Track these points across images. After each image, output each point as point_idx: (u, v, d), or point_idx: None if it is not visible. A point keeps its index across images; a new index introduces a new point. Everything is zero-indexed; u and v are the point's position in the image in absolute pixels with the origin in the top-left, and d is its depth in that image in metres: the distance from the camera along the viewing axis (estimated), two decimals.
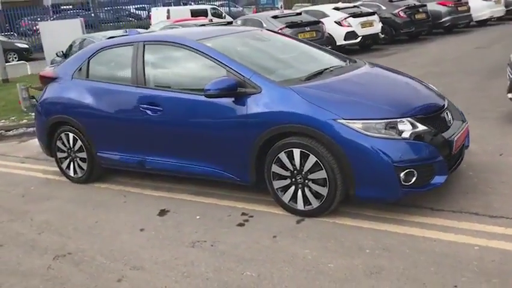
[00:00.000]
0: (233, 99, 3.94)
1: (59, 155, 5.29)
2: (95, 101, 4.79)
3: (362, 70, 4.31)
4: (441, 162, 3.57)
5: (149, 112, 4.39)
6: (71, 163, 5.21)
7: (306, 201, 3.76)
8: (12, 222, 4.41)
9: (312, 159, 3.62)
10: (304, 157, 3.66)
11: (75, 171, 5.21)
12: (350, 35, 13.83)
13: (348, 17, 13.99)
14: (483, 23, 18.31)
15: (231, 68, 4.00)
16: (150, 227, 3.98)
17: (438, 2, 16.62)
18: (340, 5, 15.05)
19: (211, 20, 12.64)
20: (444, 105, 3.98)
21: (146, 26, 26.67)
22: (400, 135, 3.49)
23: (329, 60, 4.64)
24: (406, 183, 3.47)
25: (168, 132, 4.36)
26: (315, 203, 3.72)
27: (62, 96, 5.10)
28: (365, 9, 14.67)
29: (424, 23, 15.83)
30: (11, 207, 4.77)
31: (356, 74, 4.18)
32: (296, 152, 3.68)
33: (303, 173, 3.71)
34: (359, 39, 13.89)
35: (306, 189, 3.73)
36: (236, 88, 3.87)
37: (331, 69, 4.26)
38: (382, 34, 14.73)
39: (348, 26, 13.84)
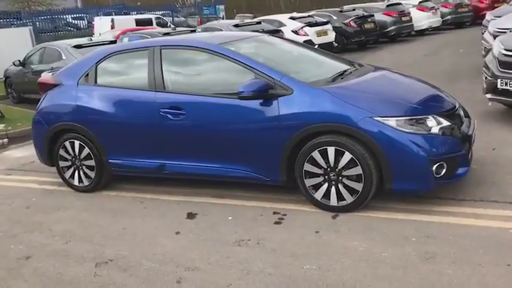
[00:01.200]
0: (261, 101, 4.04)
1: (62, 164, 5.12)
2: (107, 106, 4.71)
3: (378, 72, 4.55)
4: (464, 154, 3.86)
5: (170, 116, 4.39)
6: (76, 172, 5.06)
7: (340, 197, 3.92)
8: (29, 233, 4.24)
9: (347, 156, 3.79)
10: (339, 154, 3.82)
11: (80, 180, 5.07)
12: (307, 43, 14.22)
13: (304, 26, 14.43)
14: (421, 33, 19.47)
15: (259, 71, 4.10)
16: (185, 230, 3.98)
17: (384, 12, 17.52)
18: (295, 14, 15.47)
19: (175, 29, 12.59)
20: (457, 103, 4.30)
21: (87, 36, 25.98)
22: (429, 130, 3.74)
23: (338, 63, 4.84)
24: (437, 176, 3.72)
25: (192, 135, 4.37)
26: (349, 199, 3.89)
27: (67, 103, 4.96)
28: (319, 19, 15.18)
29: (372, 32, 16.62)
30: (21, 219, 4.57)
31: (374, 76, 4.42)
32: (331, 150, 3.84)
33: (337, 169, 3.86)
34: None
35: (340, 186, 3.89)
36: (267, 90, 3.98)
37: (350, 71, 4.47)
38: (335, 43, 15.30)
39: (305, 35, 14.27)
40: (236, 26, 12.94)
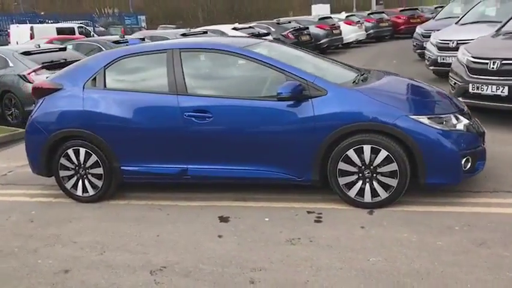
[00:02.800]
0: (293, 102, 4.11)
1: (63, 173, 4.81)
2: (121, 111, 4.51)
3: (392, 77, 4.78)
4: (483, 149, 4.20)
5: (195, 120, 4.31)
6: (79, 181, 4.78)
7: (374, 193, 4.08)
8: (51, 247, 3.93)
9: (383, 154, 3.96)
10: (374, 152, 3.99)
11: (84, 190, 4.79)
12: None
13: (248, 37, 14.61)
14: (348, 45, 20.55)
15: (291, 73, 4.17)
16: (226, 232, 3.92)
17: (317, 25, 18.26)
18: (237, 25, 15.65)
19: (123, 36, 12.21)
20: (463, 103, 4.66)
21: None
22: (455, 127, 4.04)
23: (347, 68, 5.03)
24: (464, 169, 4.02)
25: (219, 138, 4.32)
26: (383, 195, 4.06)
27: (71, 109, 4.68)
28: (261, 30, 15.48)
29: (308, 44, 17.19)
30: (31, 234, 4.23)
31: (391, 79, 4.65)
32: (366, 148, 4.00)
33: (372, 167, 4.03)
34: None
35: (375, 182, 4.06)
36: (302, 91, 4.07)
37: (367, 75, 4.67)
38: None
39: None
40: (183, 35, 12.82)
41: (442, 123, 3.98)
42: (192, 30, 14.38)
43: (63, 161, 4.76)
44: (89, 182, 4.76)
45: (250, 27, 15.77)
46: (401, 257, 3.33)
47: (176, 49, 4.52)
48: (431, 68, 10.36)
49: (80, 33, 25.02)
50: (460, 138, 3.99)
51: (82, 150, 4.68)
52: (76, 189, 4.82)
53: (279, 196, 4.54)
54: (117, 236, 4.03)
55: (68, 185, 4.83)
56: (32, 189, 5.40)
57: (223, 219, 4.19)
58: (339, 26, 18.96)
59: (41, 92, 4.87)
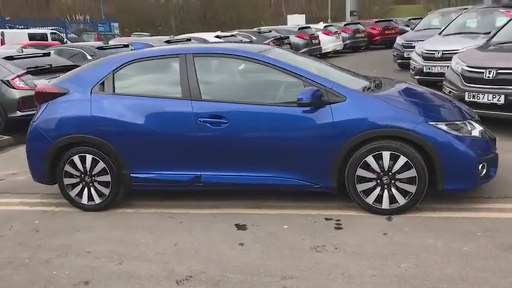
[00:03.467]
0: (311, 108, 4.09)
1: (67, 181, 4.63)
2: (131, 117, 4.39)
3: (404, 84, 4.80)
4: (495, 156, 4.27)
5: (209, 125, 4.23)
6: (85, 189, 4.62)
7: (392, 200, 4.08)
8: (63, 257, 3.77)
9: (402, 160, 3.97)
10: (393, 158, 4.00)
11: (90, 198, 4.63)
12: None
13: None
14: (325, 55, 20.76)
15: (309, 79, 4.15)
16: (247, 240, 3.84)
17: (297, 35, 18.41)
18: (220, 33, 15.61)
19: (107, 43, 11.98)
20: None
21: None
22: (471, 134, 4.09)
23: (354, 75, 5.05)
24: (480, 175, 4.07)
25: (234, 144, 4.25)
26: (401, 201, 4.07)
27: (78, 115, 4.52)
28: (243, 39, 15.48)
29: None
30: (39, 244, 4.04)
31: (403, 87, 4.65)
32: (385, 155, 4.00)
33: (391, 173, 4.03)
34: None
35: (393, 189, 4.06)
36: (321, 97, 4.05)
37: (379, 82, 4.68)
38: None
39: None
40: (167, 42, 12.69)
41: (459, 129, 4.03)
42: (176, 37, 14.27)
43: (68, 168, 4.59)
44: (96, 189, 4.60)
45: (232, 35, 15.75)
46: (430, 262, 3.32)
47: (190, 54, 4.43)
48: (417, 77, 10.54)
49: (53, 40, 24.57)
50: (476, 145, 4.04)
51: (89, 157, 4.53)
52: (81, 198, 4.65)
53: (292, 203, 4.49)
54: (132, 246, 3.89)
55: (73, 193, 4.66)
56: (29, 197, 5.19)
57: (240, 226, 4.11)
58: (317, 36, 19.16)
59: (44, 97, 4.70)
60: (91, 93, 4.54)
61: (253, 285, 3.19)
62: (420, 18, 27.21)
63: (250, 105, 4.24)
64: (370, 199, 4.12)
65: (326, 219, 4.15)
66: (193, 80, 4.34)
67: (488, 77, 6.32)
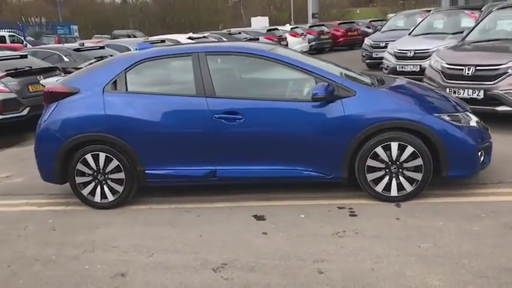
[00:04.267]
0: (323, 103, 4.30)
1: (79, 179, 4.67)
2: (147, 114, 4.48)
3: (403, 80, 5.08)
4: (490, 144, 4.61)
5: (224, 121, 4.38)
6: (98, 187, 4.66)
7: (400, 187, 4.35)
8: (91, 253, 3.83)
9: (409, 150, 4.25)
10: (401, 149, 4.26)
11: (103, 196, 4.68)
12: None
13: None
14: None
15: (320, 75, 4.37)
16: (269, 230, 4.01)
17: (266, 36, 18.70)
18: (192, 35, 15.67)
19: (83, 45, 11.82)
20: None
21: None
22: (469, 124, 4.41)
23: (353, 72, 5.30)
24: (479, 162, 4.40)
25: (249, 139, 4.41)
26: (408, 188, 4.34)
27: (91, 113, 4.56)
28: (214, 39, 15.59)
29: None
30: (62, 241, 4.07)
31: (404, 83, 4.93)
32: (394, 145, 4.26)
33: (398, 162, 4.30)
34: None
35: (401, 177, 4.33)
36: (333, 92, 4.27)
37: (380, 78, 4.96)
38: None
39: None
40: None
41: (459, 120, 4.34)
42: (150, 38, 14.23)
43: (80, 166, 4.62)
44: (109, 187, 4.66)
45: (204, 37, 15.85)
46: (447, 242, 3.60)
47: (202, 52, 4.56)
48: (390, 76, 10.98)
49: (11, 42, 23.90)
50: (475, 134, 4.36)
51: (102, 155, 4.58)
52: (94, 196, 4.69)
53: (302, 195, 4.69)
54: (157, 239, 3.99)
55: (85, 191, 4.69)
56: (35, 198, 5.18)
57: (259, 217, 4.28)
58: (286, 38, 19.51)
59: (54, 96, 4.71)
60: (103, 92, 4.59)
61: (287, 269, 3.37)
62: (381, 20, 28.27)
63: (264, 101, 4.42)
64: (379, 187, 4.37)
65: (339, 207, 4.38)
66: (206, 78, 4.47)
67: (468, 73, 6.74)
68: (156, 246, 3.86)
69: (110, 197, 4.68)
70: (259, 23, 31.99)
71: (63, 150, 4.61)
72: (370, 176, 4.36)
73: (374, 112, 4.27)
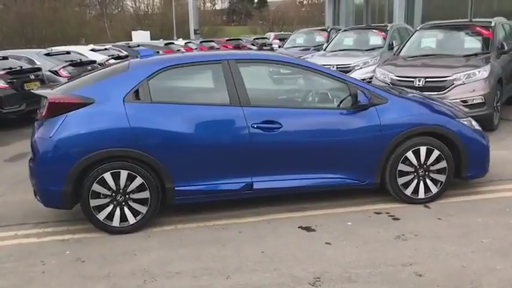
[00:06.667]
0: (356, 110, 4.38)
1: (94, 202, 4.10)
2: (178, 126, 4.11)
3: (413, 91, 5.36)
4: (488, 146, 5.09)
5: (262, 131, 4.22)
6: (116, 209, 4.15)
7: (426, 189, 4.58)
8: (153, 282, 3.37)
9: (435, 153, 4.50)
10: (428, 153, 4.50)
11: (123, 219, 4.17)
12: None
13: (109, 59, 13.91)
14: None
15: (354, 84, 4.43)
16: (330, 239, 3.92)
17: (165, 50, 18.27)
18: (95, 47, 14.68)
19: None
20: None
21: None
22: (475, 127, 4.82)
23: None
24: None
25: (287, 149, 4.29)
26: (434, 190, 4.59)
27: (111, 127, 4.04)
28: (117, 52, 14.81)
29: None
30: (105, 273, 3.52)
31: (416, 93, 5.21)
32: (423, 149, 4.49)
33: (425, 166, 4.53)
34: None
35: (427, 180, 4.56)
36: (370, 100, 4.37)
37: (399, 89, 5.18)
38: None
39: None
40: (47, 55, 11.53)
41: (472, 124, 4.73)
42: (54, 49, 12.98)
43: (96, 187, 4.07)
44: (130, 208, 4.16)
45: (105, 48, 14.97)
46: (502, 235, 3.87)
47: (232, 60, 4.33)
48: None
49: None
50: (484, 136, 4.79)
51: (124, 173, 4.08)
52: (112, 220, 4.15)
53: (328, 203, 4.66)
54: (218, 260, 3.66)
55: (101, 215, 4.13)
56: (24, 228, 4.45)
57: (307, 229, 4.17)
58: (245, 46, 19.65)
59: (62, 108, 4.07)
60: (123, 102, 4.11)
61: (383, 275, 3.33)
62: (263, 38, 29.41)
63: (302, 109, 4.36)
64: (408, 191, 4.55)
65: (375, 213, 4.46)
66: (240, 86, 4.26)
67: (419, 84, 7.36)
68: (225, 268, 3.54)
69: (132, 220, 4.18)
70: (141, 37, 31.11)
71: (76, 170, 4.01)
72: (400, 180, 4.52)
73: (406, 118, 4.45)
